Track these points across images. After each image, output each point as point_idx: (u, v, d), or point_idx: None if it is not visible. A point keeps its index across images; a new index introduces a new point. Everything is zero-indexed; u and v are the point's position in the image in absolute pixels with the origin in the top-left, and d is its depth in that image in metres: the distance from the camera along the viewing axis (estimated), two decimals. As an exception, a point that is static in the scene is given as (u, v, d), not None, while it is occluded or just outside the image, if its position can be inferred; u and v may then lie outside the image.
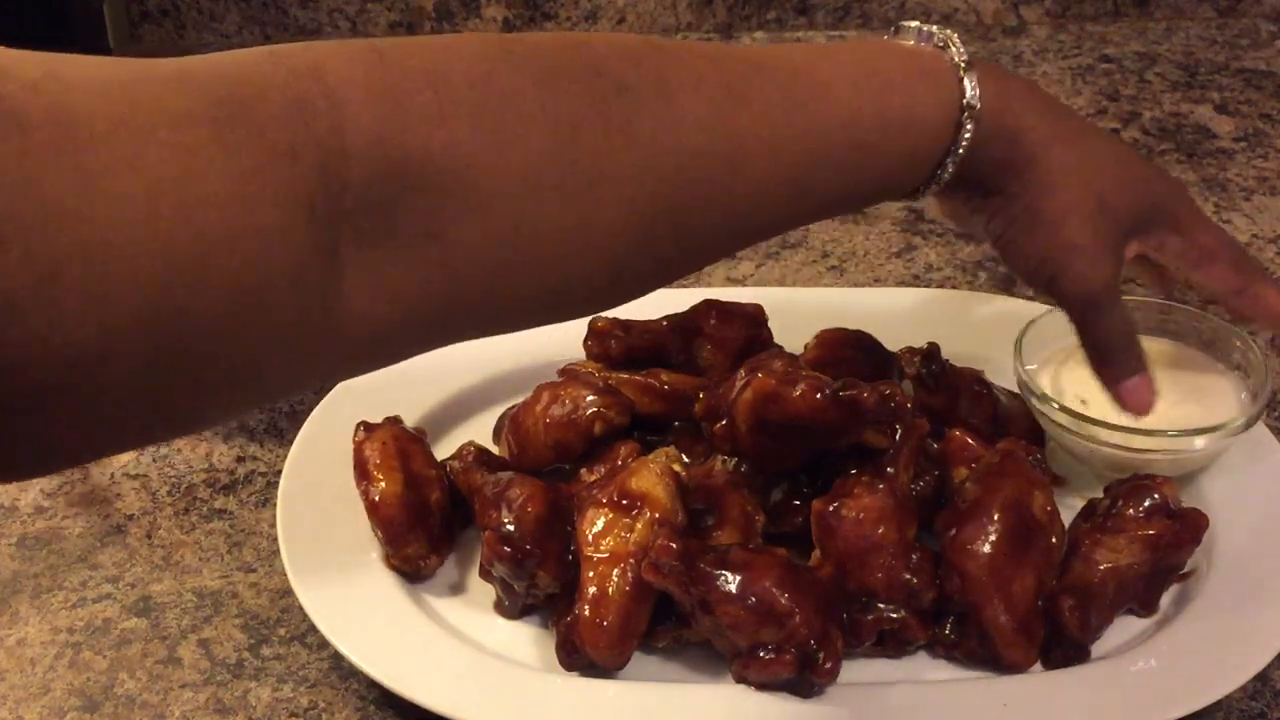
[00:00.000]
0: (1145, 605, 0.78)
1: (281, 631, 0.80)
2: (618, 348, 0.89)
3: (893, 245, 1.09)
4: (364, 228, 0.50)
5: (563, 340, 0.92)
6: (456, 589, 0.81)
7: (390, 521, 0.80)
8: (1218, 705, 0.74)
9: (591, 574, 0.74)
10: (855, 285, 1.06)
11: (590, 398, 0.83)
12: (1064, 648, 0.76)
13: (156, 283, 0.44)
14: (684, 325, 0.90)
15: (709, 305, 0.91)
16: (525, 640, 0.78)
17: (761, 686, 0.73)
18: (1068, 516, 0.79)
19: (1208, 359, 0.89)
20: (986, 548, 0.75)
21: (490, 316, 0.58)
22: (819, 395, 0.75)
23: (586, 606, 0.74)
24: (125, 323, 0.43)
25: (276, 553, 0.81)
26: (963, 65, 0.70)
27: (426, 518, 0.81)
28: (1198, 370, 0.88)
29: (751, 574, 0.73)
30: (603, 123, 0.56)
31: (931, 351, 0.84)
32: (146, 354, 0.45)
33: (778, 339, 0.90)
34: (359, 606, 0.78)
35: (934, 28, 0.71)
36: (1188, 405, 0.86)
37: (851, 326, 0.90)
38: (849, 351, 0.88)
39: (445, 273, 0.53)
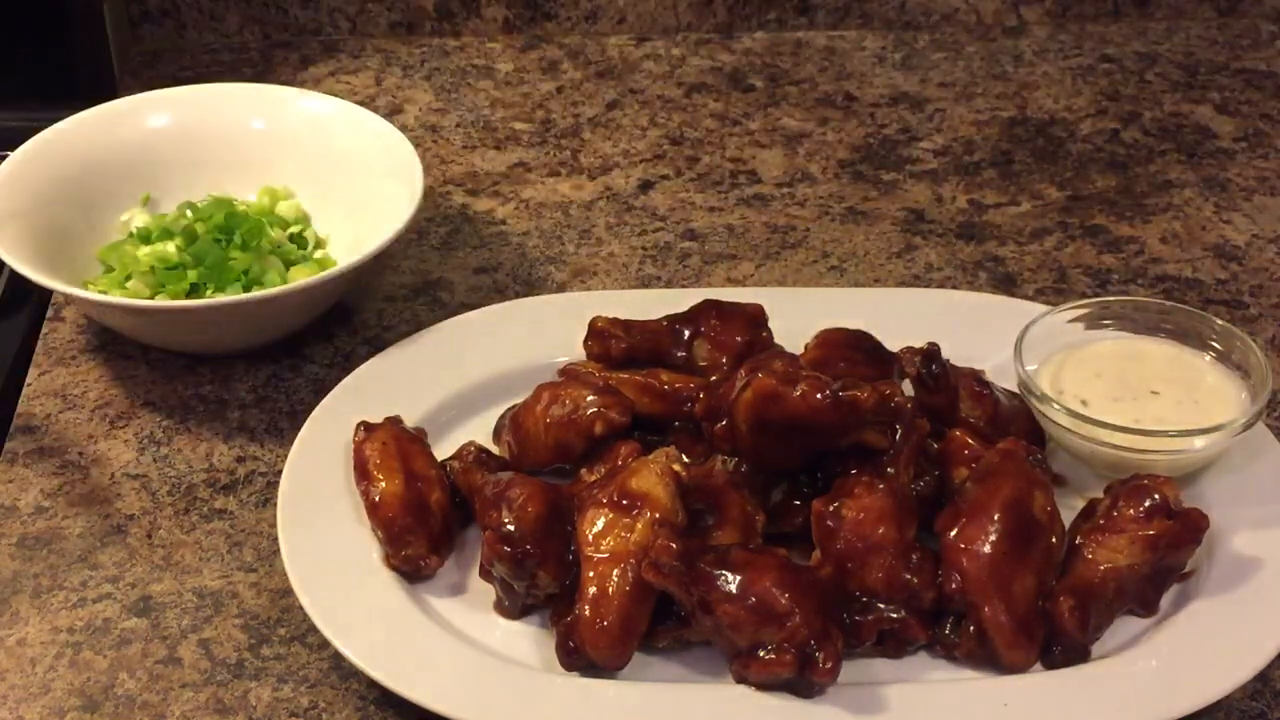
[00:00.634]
0: (1145, 605, 0.78)
1: (281, 631, 0.80)
2: (618, 348, 0.89)
3: (893, 245, 1.09)
4: None
5: (563, 340, 0.92)
6: (456, 589, 0.81)
7: (390, 522, 0.80)
8: (1218, 705, 0.74)
9: (592, 574, 0.74)
10: (855, 285, 1.06)
11: (590, 398, 0.83)
12: (1064, 648, 0.76)
13: None
14: (684, 325, 0.90)
15: (709, 305, 0.91)
16: (525, 640, 0.78)
17: (761, 686, 0.73)
18: (1068, 516, 0.79)
19: (1208, 359, 0.89)
20: (986, 548, 0.75)
21: None
22: (819, 395, 0.76)
23: (586, 606, 0.74)
24: None
25: (276, 553, 0.81)
26: None
27: (426, 518, 0.81)
28: (1198, 370, 0.88)
29: (751, 574, 0.73)
30: None
31: (931, 351, 0.84)
32: None
33: (778, 339, 0.90)
34: (359, 606, 0.78)
35: None
36: (1187, 405, 0.86)
37: (851, 326, 0.89)
38: (849, 351, 0.88)
39: None
